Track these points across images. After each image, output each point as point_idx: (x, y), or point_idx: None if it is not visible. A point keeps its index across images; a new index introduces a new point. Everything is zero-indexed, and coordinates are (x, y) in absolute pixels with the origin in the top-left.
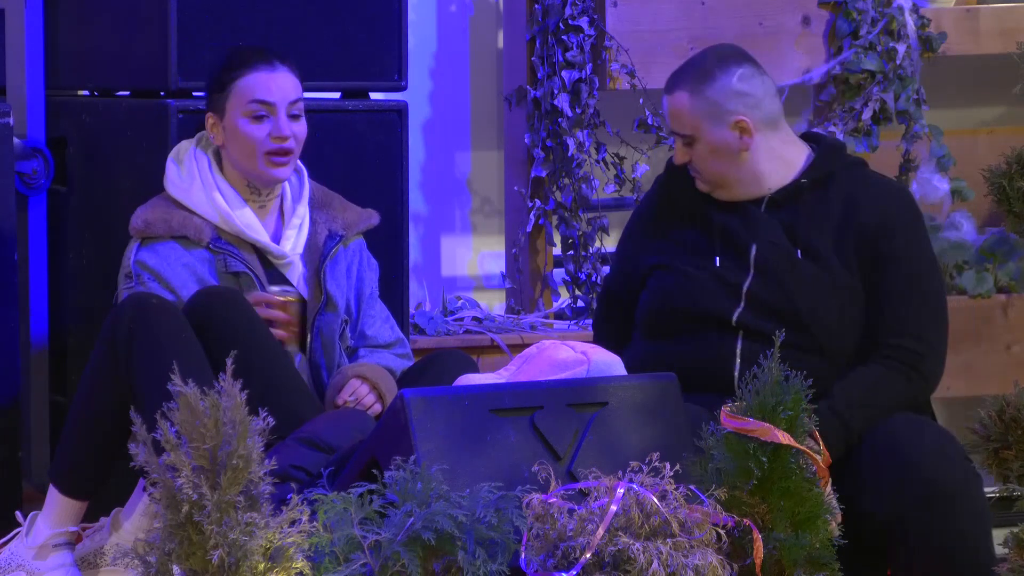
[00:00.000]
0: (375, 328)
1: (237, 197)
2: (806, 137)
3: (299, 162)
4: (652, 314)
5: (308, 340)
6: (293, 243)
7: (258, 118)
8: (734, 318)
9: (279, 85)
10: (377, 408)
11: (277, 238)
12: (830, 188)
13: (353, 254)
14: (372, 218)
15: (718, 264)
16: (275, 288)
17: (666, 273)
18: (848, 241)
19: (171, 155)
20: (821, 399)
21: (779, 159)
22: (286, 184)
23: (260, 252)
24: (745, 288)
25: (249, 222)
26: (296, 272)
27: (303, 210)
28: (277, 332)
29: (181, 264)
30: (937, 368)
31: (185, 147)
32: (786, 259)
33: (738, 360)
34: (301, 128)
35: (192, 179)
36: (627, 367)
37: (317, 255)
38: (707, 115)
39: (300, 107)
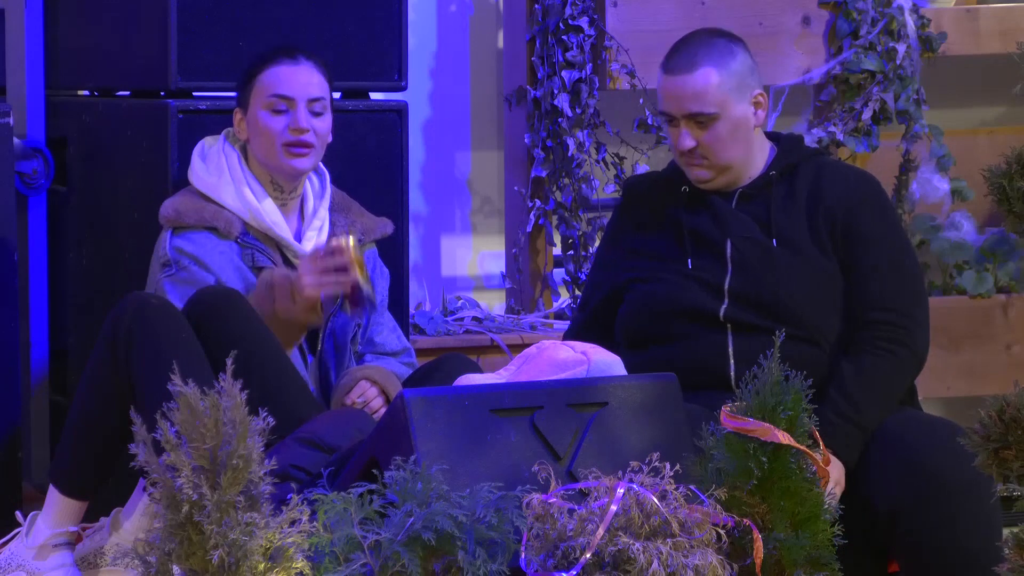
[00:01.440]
0: (383, 336)
1: (263, 193)
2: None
3: (322, 165)
4: (635, 321)
5: (320, 341)
6: (314, 243)
7: (277, 111)
8: (721, 314)
9: (300, 80)
10: (384, 412)
11: (298, 237)
12: (796, 178)
13: (367, 260)
14: (387, 227)
15: (691, 266)
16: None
17: (643, 283)
18: (819, 226)
19: (196, 150)
20: (823, 399)
21: (761, 144)
22: (308, 185)
23: (281, 250)
24: (726, 286)
25: (276, 219)
26: None
27: (324, 212)
28: (351, 276)
29: (218, 252)
30: (923, 339)
31: (211, 141)
32: (762, 251)
33: (732, 356)
34: (322, 124)
35: (220, 173)
36: None
37: None
38: (734, 90)
39: (323, 104)
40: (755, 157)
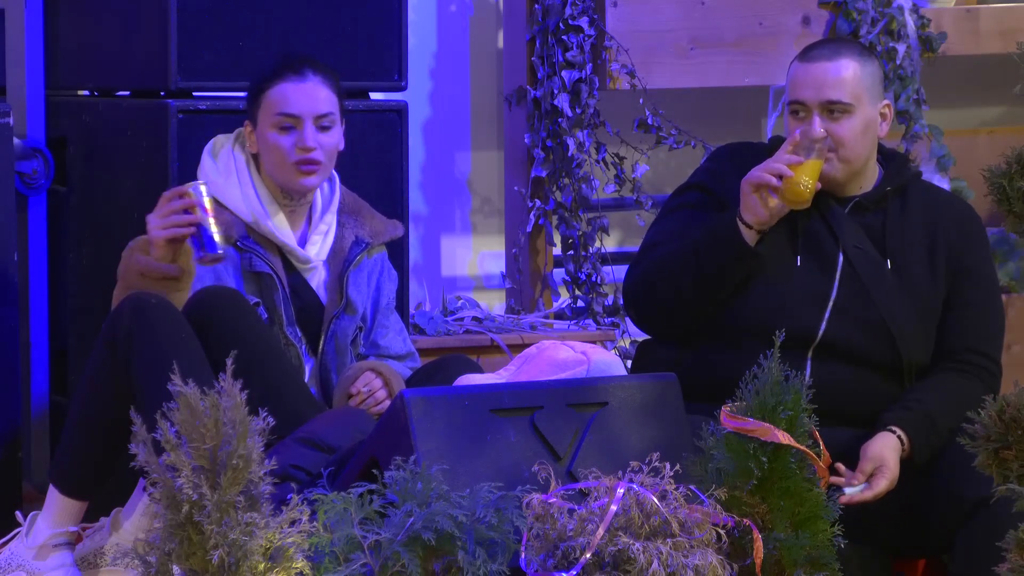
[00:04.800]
0: (388, 339)
1: (271, 199)
2: None
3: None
4: (727, 320)
5: (321, 343)
6: (318, 248)
7: (284, 129)
8: (819, 334)
9: (306, 97)
10: (387, 405)
11: (303, 242)
12: (907, 199)
13: (375, 264)
14: (397, 229)
15: (799, 263)
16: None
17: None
18: (937, 258)
19: (206, 149)
20: (914, 402)
21: (873, 161)
22: (317, 190)
23: (283, 255)
24: (833, 295)
25: (279, 224)
26: (318, 277)
27: (331, 217)
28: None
29: None
30: (1000, 382)
31: (222, 142)
32: (875, 267)
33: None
34: (330, 139)
35: (228, 175)
36: (681, 369)
37: (341, 260)
38: (870, 88)
39: (331, 119)
40: (872, 168)
